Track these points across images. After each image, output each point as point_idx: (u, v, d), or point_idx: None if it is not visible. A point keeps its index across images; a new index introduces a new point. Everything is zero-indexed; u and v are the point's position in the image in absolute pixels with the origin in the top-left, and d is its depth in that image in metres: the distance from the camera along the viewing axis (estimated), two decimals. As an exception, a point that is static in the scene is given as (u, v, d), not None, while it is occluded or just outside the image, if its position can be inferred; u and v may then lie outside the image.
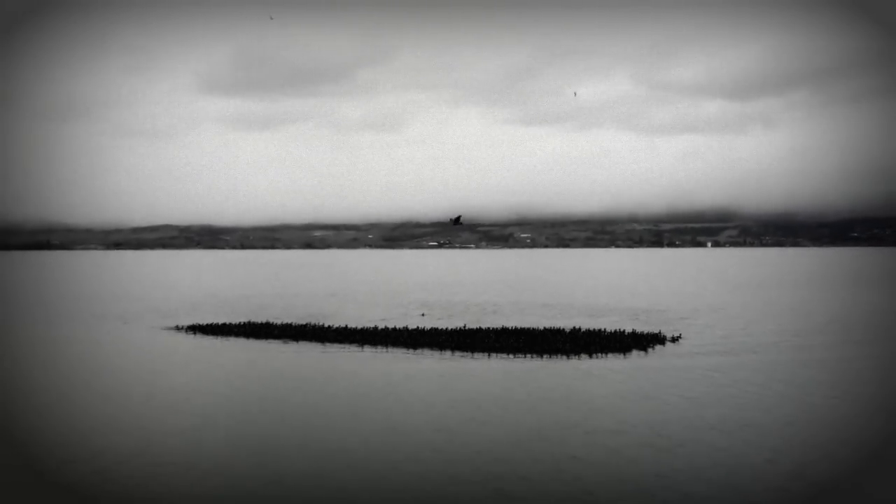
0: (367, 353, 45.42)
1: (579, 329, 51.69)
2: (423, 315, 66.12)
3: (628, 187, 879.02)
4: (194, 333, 55.12)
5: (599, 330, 51.65)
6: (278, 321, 59.44)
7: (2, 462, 23.96)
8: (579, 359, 42.51)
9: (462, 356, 43.78)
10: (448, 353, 44.74)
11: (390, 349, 46.51)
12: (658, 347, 46.63)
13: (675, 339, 49.41)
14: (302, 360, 43.13)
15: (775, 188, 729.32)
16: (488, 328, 52.67)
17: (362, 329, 52.94)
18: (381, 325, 55.22)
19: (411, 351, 45.71)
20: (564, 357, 43.10)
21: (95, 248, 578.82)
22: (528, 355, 43.77)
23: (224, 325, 57.65)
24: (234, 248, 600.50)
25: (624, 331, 51.26)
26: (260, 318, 62.00)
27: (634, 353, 44.63)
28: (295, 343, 49.69)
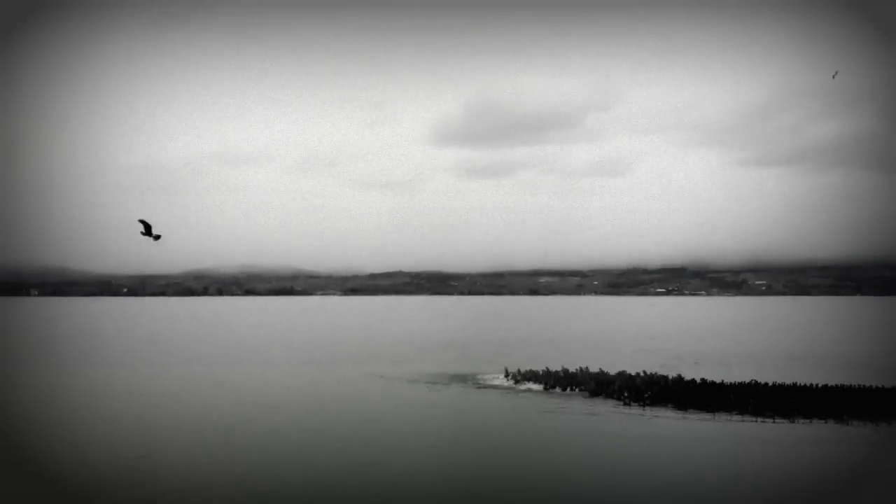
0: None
1: None
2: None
3: (877, 229, 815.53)
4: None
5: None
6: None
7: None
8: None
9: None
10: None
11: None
12: None
13: None
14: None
15: None
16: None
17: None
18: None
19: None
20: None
21: (334, 294, 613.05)
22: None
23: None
24: (461, 293, 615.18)
25: None
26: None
27: None
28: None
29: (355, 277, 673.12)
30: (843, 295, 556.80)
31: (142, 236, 55.63)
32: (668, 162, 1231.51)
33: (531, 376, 52.39)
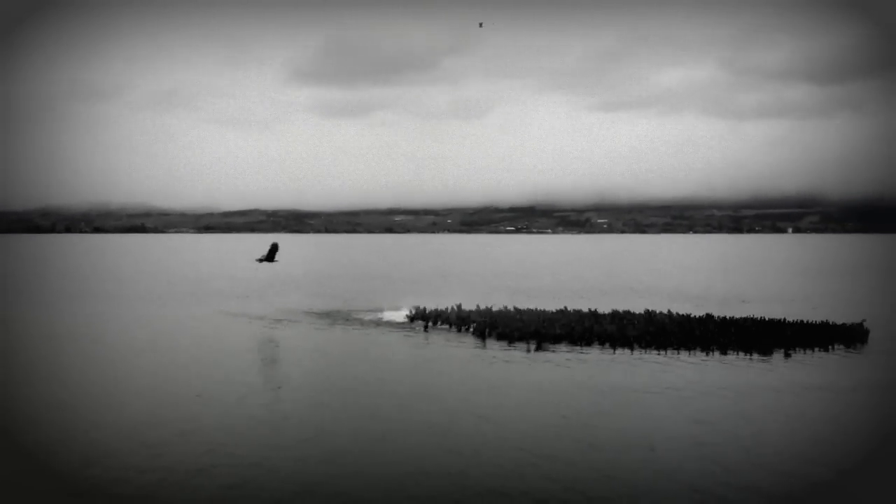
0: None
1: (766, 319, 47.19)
2: None
3: (710, 173, 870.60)
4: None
5: (781, 320, 47.25)
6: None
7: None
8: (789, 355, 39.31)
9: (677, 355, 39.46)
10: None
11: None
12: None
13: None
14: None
15: (861, 174, 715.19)
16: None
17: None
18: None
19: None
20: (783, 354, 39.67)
21: (187, 232, 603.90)
22: (743, 353, 39.80)
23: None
24: (318, 231, 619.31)
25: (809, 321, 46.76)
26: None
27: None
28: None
29: (210, 215, 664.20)
30: (677, 233, 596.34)
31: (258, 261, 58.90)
32: (521, 106, 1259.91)
33: (428, 316, 51.53)
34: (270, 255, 57.77)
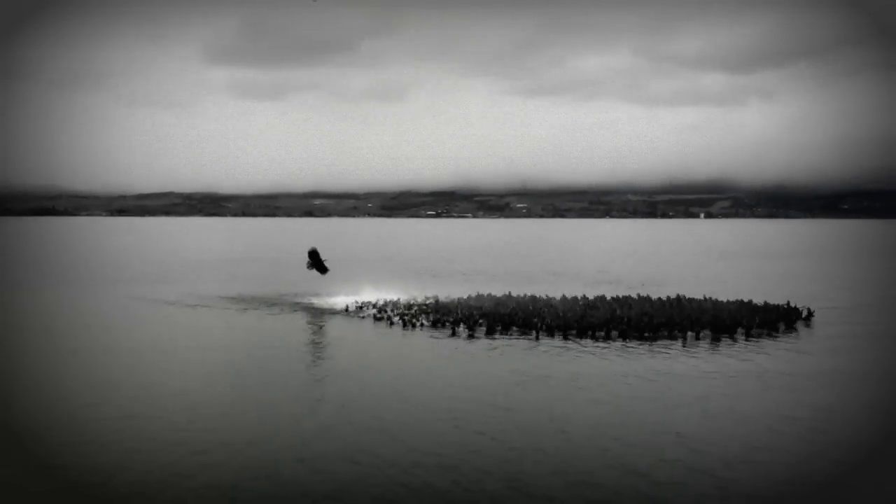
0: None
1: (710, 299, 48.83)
2: None
3: (626, 159, 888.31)
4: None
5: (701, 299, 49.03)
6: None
7: None
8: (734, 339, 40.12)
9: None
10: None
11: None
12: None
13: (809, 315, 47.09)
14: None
15: (770, 160, 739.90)
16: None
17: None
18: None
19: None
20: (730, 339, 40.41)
21: (99, 214, 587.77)
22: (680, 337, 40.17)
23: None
24: (235, 215, 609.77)
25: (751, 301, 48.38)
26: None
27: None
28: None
29: (123, 198, 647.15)
30: (594, 217, 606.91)
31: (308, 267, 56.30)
32: (442, 90, 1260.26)
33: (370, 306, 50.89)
34: (317, 263, 56.18)
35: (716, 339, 40.18)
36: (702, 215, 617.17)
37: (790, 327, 44.37)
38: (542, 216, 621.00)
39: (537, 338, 40.49)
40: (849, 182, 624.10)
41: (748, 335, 41.54)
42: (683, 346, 38.32)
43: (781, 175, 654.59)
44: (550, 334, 41.41)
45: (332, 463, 21.19)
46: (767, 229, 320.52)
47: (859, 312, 52.11)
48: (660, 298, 49.43)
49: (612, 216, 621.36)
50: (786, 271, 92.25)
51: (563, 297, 50.23)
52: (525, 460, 21.38)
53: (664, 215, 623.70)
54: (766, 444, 22.85)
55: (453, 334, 41.65)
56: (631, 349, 37.72)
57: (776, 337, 41.50)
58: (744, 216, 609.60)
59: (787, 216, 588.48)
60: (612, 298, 49.70)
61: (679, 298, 49.15)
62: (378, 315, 47.90)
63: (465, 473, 20.38)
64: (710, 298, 49.94)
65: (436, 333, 42.14)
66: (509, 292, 53.08)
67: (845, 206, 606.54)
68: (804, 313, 47.32)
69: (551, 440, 23.17)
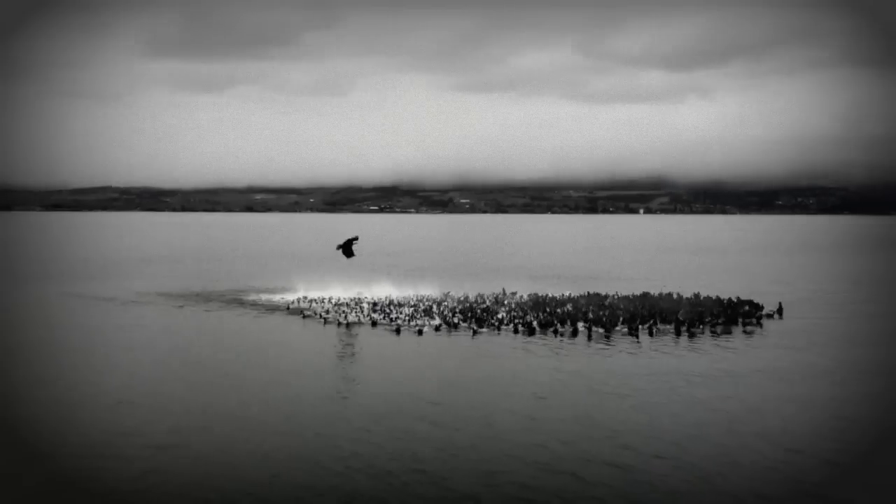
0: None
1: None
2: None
3: (567, 155, 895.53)
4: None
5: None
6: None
7: None
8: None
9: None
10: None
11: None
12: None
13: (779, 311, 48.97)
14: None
15: (707, 157, 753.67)
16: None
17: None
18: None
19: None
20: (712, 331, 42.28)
21: (33, 209, 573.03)
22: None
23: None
24: (174, 210, 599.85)
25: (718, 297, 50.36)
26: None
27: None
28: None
29: (58, 192, 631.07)
30: (536, 213, 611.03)
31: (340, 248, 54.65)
32: (384, 84, 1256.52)
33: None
34: (347, 248, 55.76)
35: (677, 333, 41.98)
36: (641, 211, 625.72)
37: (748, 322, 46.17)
38: (484, 212, 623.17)
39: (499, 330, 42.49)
40: (783, 179, 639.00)
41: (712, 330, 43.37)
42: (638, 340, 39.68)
43: (718, 172, 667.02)
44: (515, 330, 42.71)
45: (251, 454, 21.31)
46: (705, 225, 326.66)
47: (800, 307, 53.96)
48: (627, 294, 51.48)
49: (553, 212, 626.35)
50: (734, 265, 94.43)
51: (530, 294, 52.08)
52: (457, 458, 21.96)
53: (605, 211, 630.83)
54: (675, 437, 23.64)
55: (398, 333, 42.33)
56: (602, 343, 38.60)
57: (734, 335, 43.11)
58: (682, 212, 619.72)
59: (723, 212, 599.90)
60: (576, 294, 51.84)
61: (645, 294, 51.66)
62: (308, 312, 48.80)
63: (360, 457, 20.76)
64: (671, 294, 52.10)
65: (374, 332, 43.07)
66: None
67: (780, 202, 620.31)
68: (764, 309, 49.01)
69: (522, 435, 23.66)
